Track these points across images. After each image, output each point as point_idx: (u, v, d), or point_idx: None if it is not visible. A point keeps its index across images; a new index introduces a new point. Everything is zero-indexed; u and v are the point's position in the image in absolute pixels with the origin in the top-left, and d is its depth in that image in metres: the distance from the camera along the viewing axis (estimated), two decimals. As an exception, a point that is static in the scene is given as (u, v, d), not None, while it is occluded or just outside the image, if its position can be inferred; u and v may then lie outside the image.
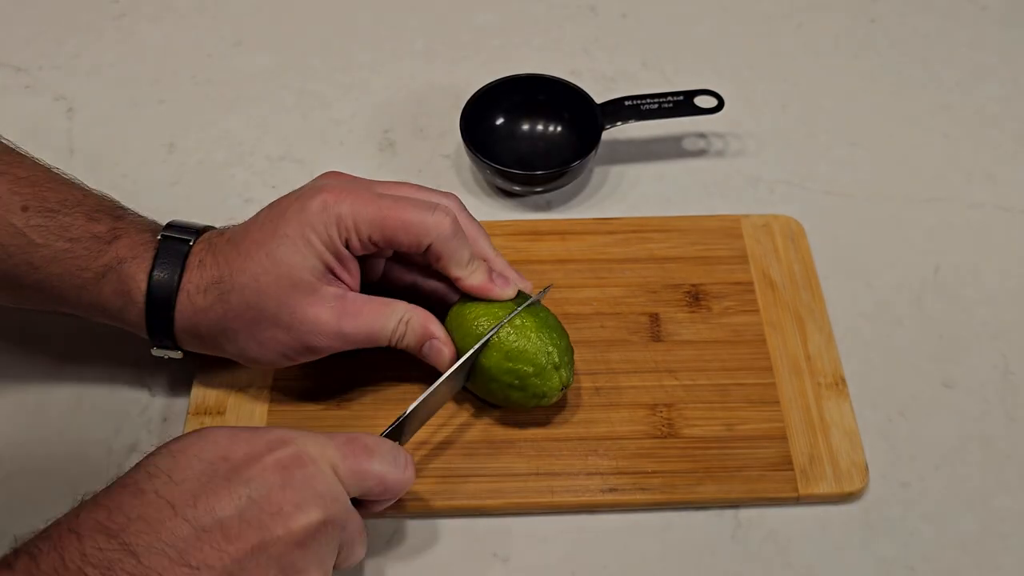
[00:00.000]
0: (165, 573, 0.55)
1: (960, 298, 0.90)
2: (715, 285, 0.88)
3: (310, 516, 0.60)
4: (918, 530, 0.76)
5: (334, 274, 0.74)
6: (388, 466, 0.66)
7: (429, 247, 0.74)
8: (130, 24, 1.13)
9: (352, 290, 0.75)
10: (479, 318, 0.76)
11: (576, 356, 0.79)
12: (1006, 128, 1.04)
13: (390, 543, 0.75)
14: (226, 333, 0.75)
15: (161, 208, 0.93)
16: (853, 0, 1.18)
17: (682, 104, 0.98)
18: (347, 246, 0.73)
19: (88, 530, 0.56)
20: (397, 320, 0.75)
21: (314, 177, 0.79)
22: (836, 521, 0.76)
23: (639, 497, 0.76)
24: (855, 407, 0.81)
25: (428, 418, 0.77)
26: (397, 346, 0.76)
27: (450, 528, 0.76)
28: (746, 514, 0.77)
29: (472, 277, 0.76)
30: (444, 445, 0.79)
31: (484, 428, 0.80)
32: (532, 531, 0.76)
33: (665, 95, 0.98)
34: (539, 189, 0.96)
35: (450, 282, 0.78)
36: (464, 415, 0.80)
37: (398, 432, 0.72)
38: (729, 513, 0.77)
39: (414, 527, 0.76)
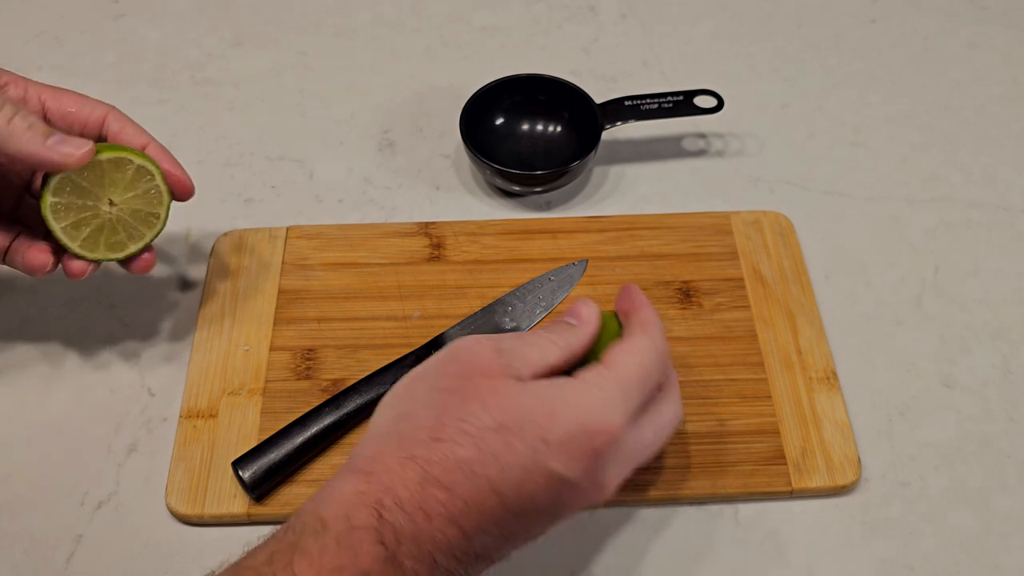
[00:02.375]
0: (488, 549, 0.60)
1: (960, 298, 0.90)
2: (706, 281, 0.88)
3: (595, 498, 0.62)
4: (918, 530, 0.76)
5: None
6: None
7: None
8: (130, 24, 1.14)
9: None
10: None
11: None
12: (1006, 128, 1.04)
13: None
14: None
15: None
16: (853, 0, 1.18)
17: (682, 104, 0.98)
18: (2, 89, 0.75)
19: (435, 511, 0.58)
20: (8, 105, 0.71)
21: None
22: (835, 520, 0.76)
23: (634, 494, 0.76)
24: (855, 406, 0.81)
25: None
26: (14, 146, 0.70)
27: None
28: (745, 513, 0.76)
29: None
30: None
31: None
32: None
33: (665, 95, 0.98)
34: (539, 189, 0.96)
35: None
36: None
37: None
38: (729, 512, 0.77)
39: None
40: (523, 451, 0.58)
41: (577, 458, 0.59)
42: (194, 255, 0.91)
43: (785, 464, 0.77)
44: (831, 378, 0.82)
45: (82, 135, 0.77)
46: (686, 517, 0.76)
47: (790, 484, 0.76)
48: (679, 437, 0.78)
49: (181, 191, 0.79)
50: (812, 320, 0.85)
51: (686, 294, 0.87)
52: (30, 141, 0.69)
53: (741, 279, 0.88)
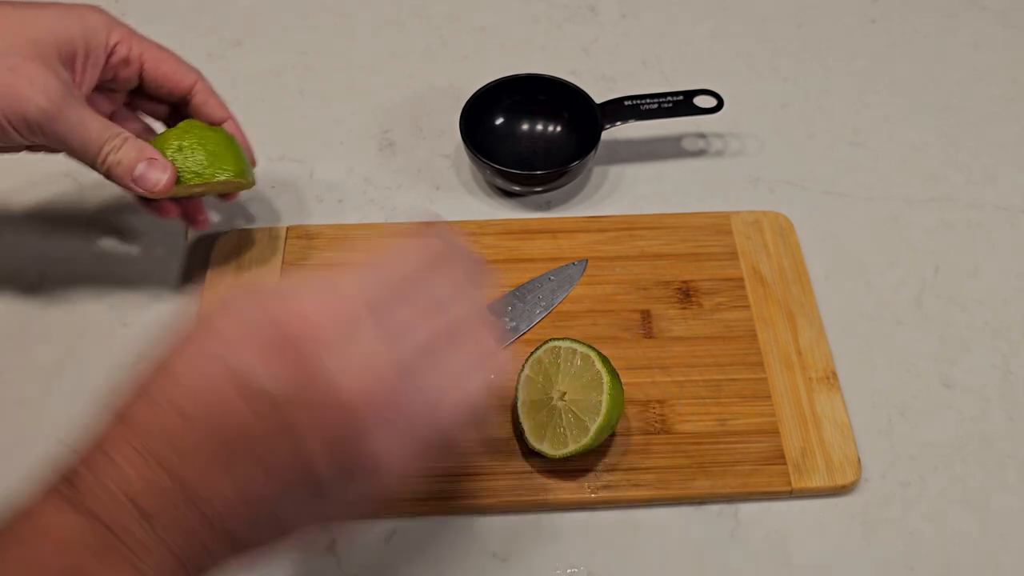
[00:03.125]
0: (207, 494, 0.50)
1: (960, 298, 0.90)
2: (706, 281, 0.88)
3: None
4: (918, 530, 0.76)
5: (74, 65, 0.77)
6: None
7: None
8: (130, 24, 1.13)
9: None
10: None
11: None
12: (1006, 128, 1.04)
13: (389, 544, 0.75)
14: None
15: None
16: (853, 0, 1.18)
17: (682, 104, 0.98)
18: (111, 50, 0.80)
19: (117, 450, 0.51)
20: (116, 133, 0.76)
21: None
22: (835, 521, 0.76)
23: (633, 493, 0.76)
24: (855, 406, 0.81)
25: None
26: (107, 165, 0.76)
27: (449, 528, 0.76)
28: (745, 513, 0.77)
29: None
30: (436, 442, 0.78)
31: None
32: (531, 531, 0.76)
33: (665, 95, 0.98)
34: (539, 189, 0.96)
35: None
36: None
37: None
38: (729, 512, 0.77)
39: (412, 528, 0.76)
40: (193, 352, 0.51)
41: (262, 352, 0.50)
42: (194, 255, 0.91)
43: (785, 464, 0.77)
44: (831, 378, 0.82)
45: (168, 98, 0.85)
46: (686, 517, 0.76)
47: (790, 484, 0.76)
48: (679, 437, 0.78)
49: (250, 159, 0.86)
50: (812, 320, 0.85)
51: (686, 294, 0.87)
52: (120, 176, 0.76)
53: (741, 279, 0.88)
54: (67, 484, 0.51)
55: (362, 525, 0.76)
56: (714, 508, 0.77)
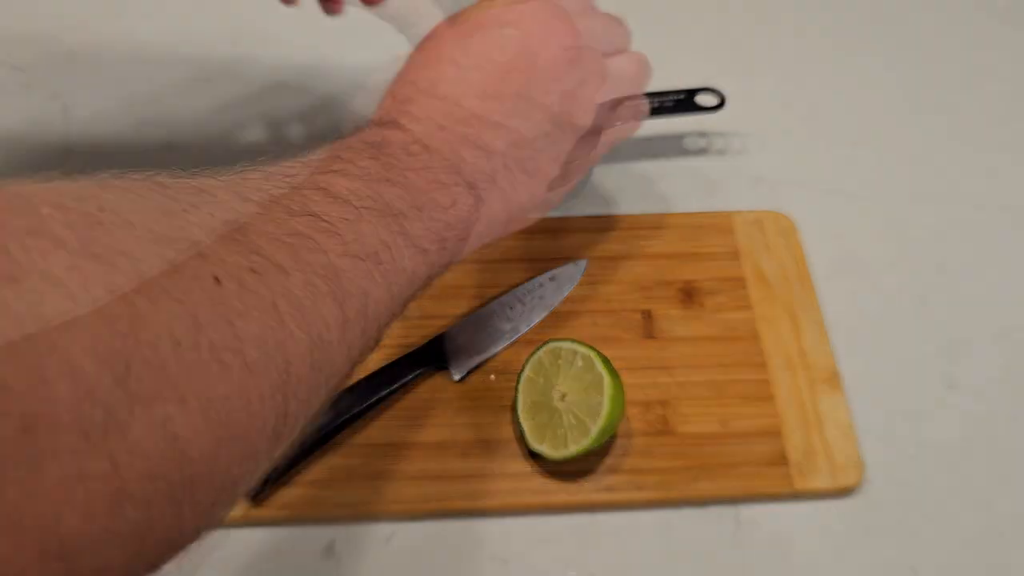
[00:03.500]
0: (480, 108, 0.65)
1: (963, 298, 0.89)
2: (707, 281, 0.88)
3: (565, 32, 0.70)
4: (920, 530, 0.75)
5: None
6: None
7: None
8: (129, 24, 1.13)
9: None
10: None
11: (570, 354, 0.80)
12: (1010, 127, 1.04)
13: (388, 547, 0.75)
14: None
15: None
16: (856, -2, 1.18)
17: (683, 102, 0.98)
18: None
19: (412, 95, 0.65)
20: None
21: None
22: (837, 521, 0.76)
23: (635, 495, 0.76)
24: (857, 407, 0.81)
25: None
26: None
27: (448, 531, 0.76)
28: (747, 514, 0.76)
29: None
30: (438, 446, 0.78)
31: (478, 428, 0.79)
32: (532, 533, 0.75)
33: (666, 93, 0.98)
34: (538, 188, 0.96)
35: None
36: (458, 415, 0.80)
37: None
38: (730, 513, 0.76)
39: (412, 530, 0.76)
40: (457, 25, 0.69)
41: (499, 14, 0.69)
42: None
43: (787, 465, 0.76)
44: (834, 379, 0.81)
45: None
46: (687, 519, 0.76)
47: (792, 485, 0.75)
48: (681, 438, 0.78)
49: None
50: (815, 320, 0.85)
51: (688, 294, 0.87)
52: None
53: (743, 279, 0.88)
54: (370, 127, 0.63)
55: (361, 528, 0.76)
56: (715, 510, 0.76)
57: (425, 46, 0.68)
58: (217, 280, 0.42)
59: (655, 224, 0.92)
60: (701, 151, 1.01)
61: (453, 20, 0.70)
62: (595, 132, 0.72)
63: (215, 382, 0.40)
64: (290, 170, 0.53)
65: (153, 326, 0.38)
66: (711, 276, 0.88)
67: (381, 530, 0.76)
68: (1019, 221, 0.95)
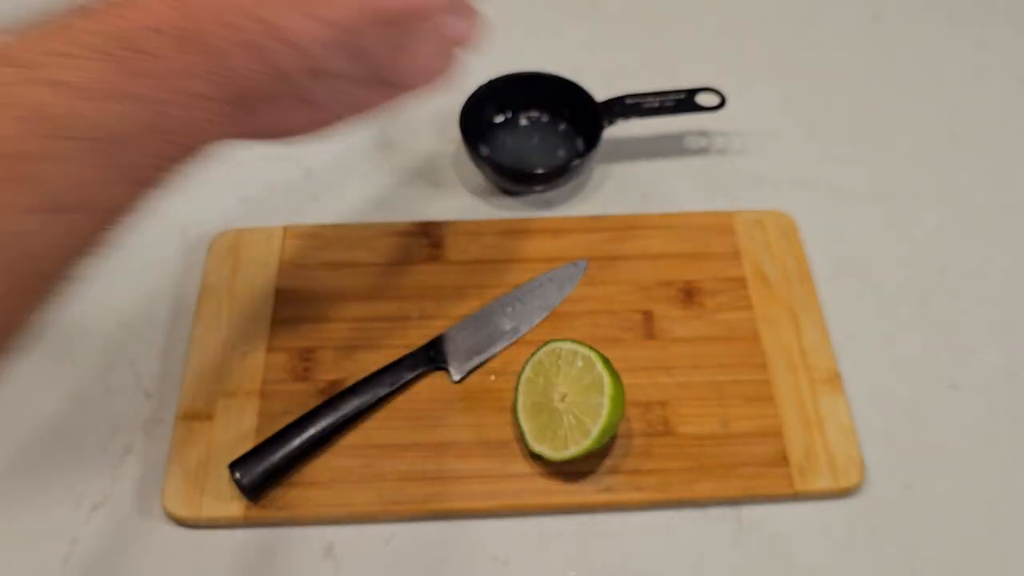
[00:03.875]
0: (287, 21, 0.54)
1: (965, 299, 0.89)
2: (708, 281, 0.88)
3: None
4: (922, 532, 0.75)
5: None
6: None
7: None
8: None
9: None
10: None
11: (571, 354, 0.80)
12: (1011, 128, 1.04)
13: (388, 548, 0.75)
14: None
15: (157, 206, 0.93)
16: (857, -2, 1.18)
17: (684, 102, 0.98)
18: None
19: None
20: None
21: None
22: (839, 522, 0.76)
23: (636, 496, 0.76)
24: (858, 407, 0.81)
25: None
26: None
27: (449, 531, 0.76)
28: (748, 515, 0.76)
29: None
30: (439, 447, 0.78)
31: (479, 430, 0.79)
32: (532, 534, 0.75)
33: (667, 93, 0.98)
34: (539, 188, 0.96)
35: None
36: (458, 416, 0.80)
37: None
38: (731, 514, 0.76)
39: (412, 530, 0.75)
40: None
41: None
42: (190, 254, 0.91)
43: (788, 466, 0.76)
44: (834, 379, 0.81)
45: None
46: (689, 519, 0.76)
47: (793, 486, 0.76)
48: (682, 439, 0.78)
49: None
50: (815, 321, 0.85)
51: (688, 294, 0.87)
52: None
53: (744, 279, 0.88)
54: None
55: (361, 529, 0.75)
56: (716, 510, 0.76)
57: None
58: None
59: (655, 224, 0.92)
60: (702, 151, 1.01)
61: None
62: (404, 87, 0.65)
63: None
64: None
65: None
66: (712, 276, 0.88)
67: (381, 531, 0.75)
68: (1019, 222, 0.95)
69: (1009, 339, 0.86)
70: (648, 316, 0.85)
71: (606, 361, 0.75)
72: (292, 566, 0.74)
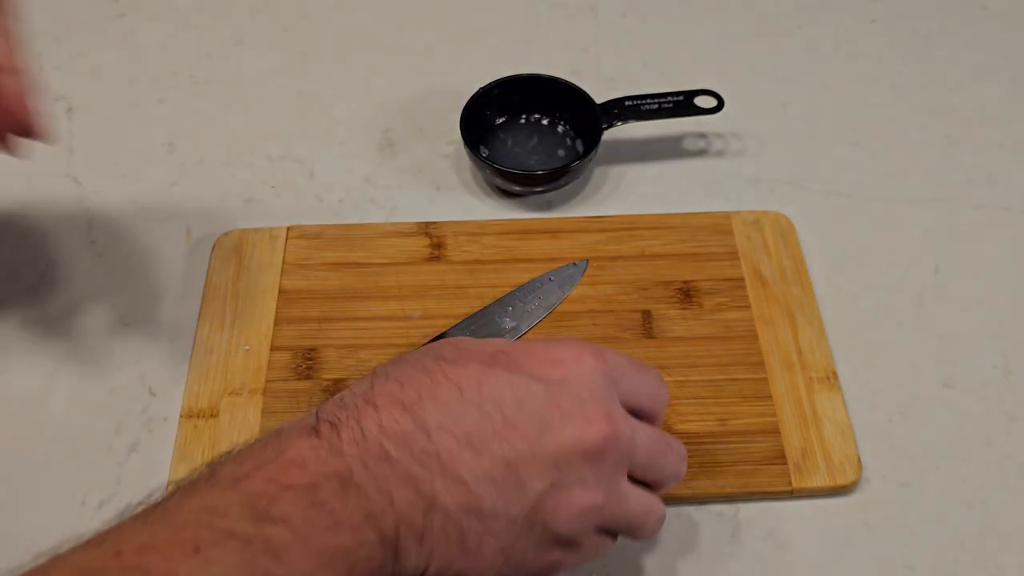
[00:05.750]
0: (451, 453, 0.55)
1: (960, 298, 0.89)
2: (706, 281, 0.88)
3: (597, 427, 0.58)
4: (918, 530, 0.76)
5: None
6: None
7: None
8: (130, 24, 1.14)
9: None
10: None
11: (570, 353, 0.80)
12: (1007, 128, 1.04)
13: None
14: None
15: (160, 207, 0.94)
16: (853, 0, 1.18)
17: (682, 104, 0.98)
18: None
19: (384, 402, 0.57)
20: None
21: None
22: (836, 522, 0.76)
23: None
24: (855, 407, 0.81)
25: None
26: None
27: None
28: (746, 514, 0.76)
29: None
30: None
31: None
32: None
33: (665, 95, 0.98)
34: (539, 189, 0.96)
35: None
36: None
37: None
38: (729, 513, 0.76)
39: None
40: (486, 351, 0.60)
41: (544, 362, 0.59)
42: (194, 255, 0.91)
43: (785, 464, 0.77)
44: (831, 378, 0.82)
45: None
46: (687, 518, 0.76)
47: (790, 484, 0.76)
48: (680, 437, 0.76)
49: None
50: (812, 320, 0.85)
51: (686, 294, 0.87)
52: None
53: (741, 279, 0.88)
54: (320, 421, 0.56)
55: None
56: (715, 509, 0.77)
57: (443, 344, 0.62)
58: None
59: (654, 224, 0.92)
60: (700, 152, 1.02)
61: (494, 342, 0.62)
62: (566, 545, 0.60)
63: None
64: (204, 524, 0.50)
65: None
66: (710, 276, 0.88)
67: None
68: (1017, 222, 0.95)
69: (1004, 338, 0.86)
70: (647, 315, 0.86)
71: None
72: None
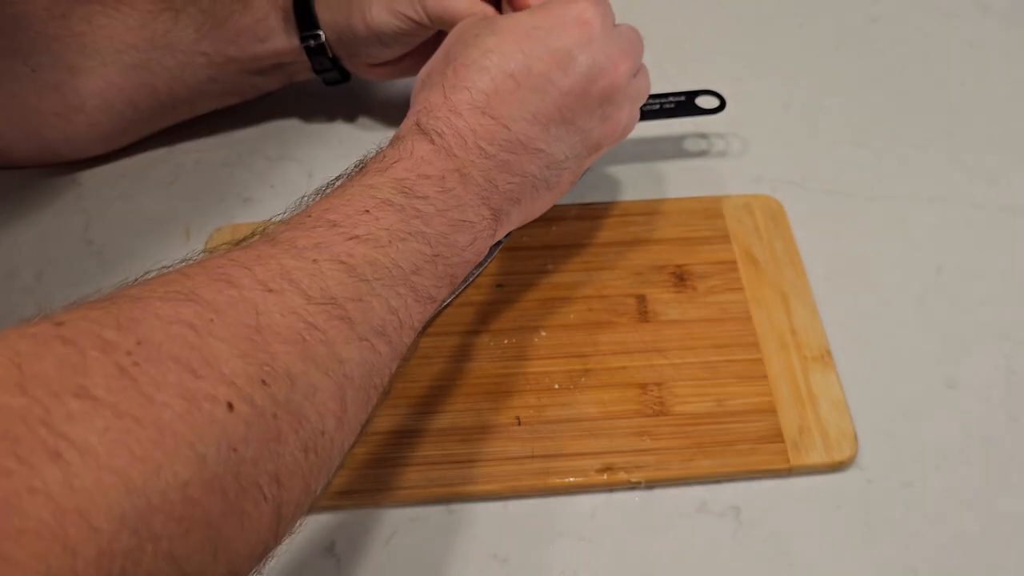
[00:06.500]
0: (527, 135, 0.69)
1: (963, 298, 0.89)
2: (699, 265, 0.89)
3: (623, 66, 0.75)
4: (920, 531, 0.75)
5: None
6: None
7: None
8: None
9: None
10: None
11: (565, 339, 0.82)
12: (1008, 127, 1.04)
13: (388, 546, 0.75)
14: None
15: (159, 208, 0.95)
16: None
17: (684, 104, 0.98)
18: None
19: (467, 110, 0.68)
20: None
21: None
22: (837, 521, 0.75)
23: (635, 475, 0.76)
24: (857, 406, 0.80)
25: None
26: None
27: (448, 530, 0.76)
28: (747, 514, 0.76)
29: None
30: (437, 431, 0.78)
31: (477, 413, 0.79)
32: (532, 532, 0.75)
33: (666, 95, 0.98)
34: (539, 190, 0.96)
35: None
36: (457, 400, 0.80)
37: None
38: (730, 513, 0.76)
39: (412, 530, 0.75)
40: (519, 37, 0.70)
41: (568, 30, 0.71)
42: (192, 255, 0.91)
43: (783, 442, 0.77)
44: (825, 356, 0.82)
45: None
46: (687, 517, 0.76)
47: (788, 461, 0.76)
48: (678, 418, 0.79)
49: None
50: (805, 300, 0.85)
51: (680, 278, 0.87)
52: None
53: (734, 262, 0.88)
54: (422, 128, 0.68)
55: (362, 527, 0.75)
56: (716, 509, 0.76)
57: (482, 43, 0.71)
58: (230, 406, 0.46)
59: (647, 210, 0.93)
60: (702, 152, 1.02)
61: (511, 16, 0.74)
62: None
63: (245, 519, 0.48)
64: (316, 233, 0.59)
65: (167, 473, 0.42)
66: (703, 260, 0.89)
67: (381, 530, 0.75)
68: (1018, 221, 0.95)
69: (1006, 338, 0.86)
70: (641, 300, 0.86)
71: None
72: (292, 564, 0.74)
